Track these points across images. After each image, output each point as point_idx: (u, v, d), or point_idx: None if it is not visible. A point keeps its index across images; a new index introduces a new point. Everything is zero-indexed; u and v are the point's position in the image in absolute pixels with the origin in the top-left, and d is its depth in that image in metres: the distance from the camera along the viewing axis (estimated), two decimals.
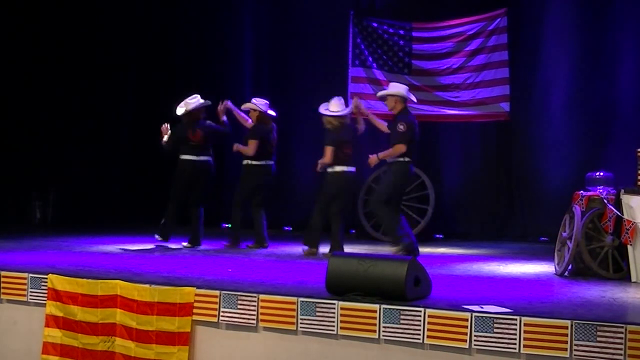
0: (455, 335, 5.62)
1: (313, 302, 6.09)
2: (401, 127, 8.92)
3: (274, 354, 6.24)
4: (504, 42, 11.16)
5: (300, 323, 6.11)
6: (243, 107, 10.11)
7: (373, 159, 9.16)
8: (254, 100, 10.04)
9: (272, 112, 10.05)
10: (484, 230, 11.70)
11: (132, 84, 14.09)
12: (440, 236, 11.63)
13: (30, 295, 7.15)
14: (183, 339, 6.49)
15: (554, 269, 8.11)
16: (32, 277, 7.16)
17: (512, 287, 7.04)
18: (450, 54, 11.38)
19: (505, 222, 11.78)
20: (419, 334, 5.73)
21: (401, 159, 8.96)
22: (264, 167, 9.95)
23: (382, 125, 9.39)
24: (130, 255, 9.11)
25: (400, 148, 8.94)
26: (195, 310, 6.49)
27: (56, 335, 6.98)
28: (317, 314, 6.05)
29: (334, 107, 9.25)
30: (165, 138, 10.11)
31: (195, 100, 10.09)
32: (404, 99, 9.12)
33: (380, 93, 9.47)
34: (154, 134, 13.76)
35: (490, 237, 11.43)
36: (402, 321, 5.78)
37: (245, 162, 9.95)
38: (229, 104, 10.14)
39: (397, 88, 9.27)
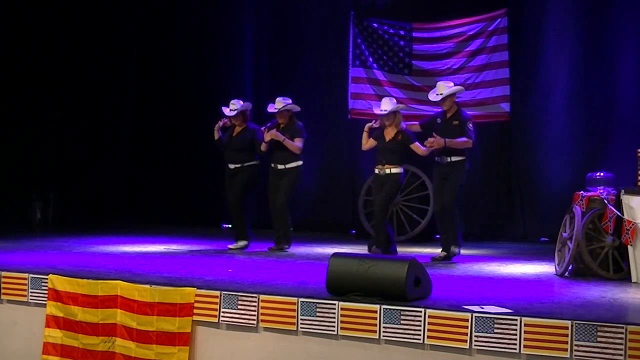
0: (456, 335, 5.62)
1: (313, 302, 6.09)
2: (470, 125, 8.89)
3: (274, 355, 6.24)
4: (505, 43, 11.16)
5: (301, 323, 6.11)
6: (286, 107, 9.81)
7: (440, 141, 8.77)
8: (284, 100, 9.81)
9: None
10: (484, 230, 11.69)
11: (133, 84, 14.10)
12: None
13: (31, 296, 7.15)
14: (183, 340, 6.49)
15: (554, 270, 8.11)
16: (32, 277, 7.16)
17: (512, 288, 7.04)
18: (450, 55, 11.39)
19: (505, 223, 11.77)
20: (419, 335, 5.73)
21: (463, 157, 8.87)
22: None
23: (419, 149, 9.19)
24: (130, 255, 9.11)
25: (471, 143, 8.85)
26: (195, 311, 6.49)
27: (56, 335, 6.98)
28: (318, 314, 6.05)
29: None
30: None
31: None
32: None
33: (437, 97, 9.02)
34: (154, 134, 13.87)
35: (490, 238, 11.43)
36: (402, 321, 5.78)
37: (299, 163, 9.81)
38: (280, 135, 9.73)
39: (451, 86, 9.09)
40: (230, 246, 9.90)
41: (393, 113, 9.10)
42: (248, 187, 9.98)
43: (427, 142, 8.88)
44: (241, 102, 10.04)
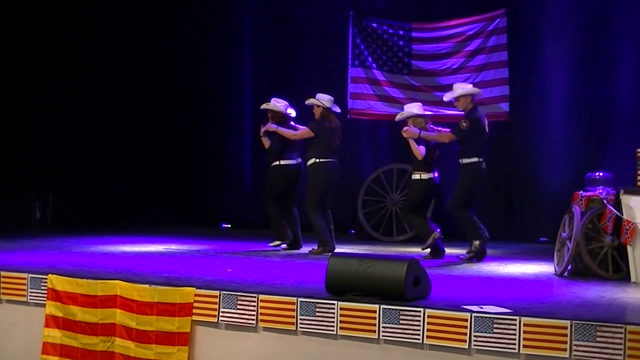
0: (455, 335, 5.62)
1: (313, 302, 6.09)
2: (464, 124, 8.88)
3: (273, 354, 6.24)
4: (504, 43, 11.16)
5: (300, 323, 6.11)
6: (307, 102, 9.80)
7: (412, 131, 8.97)
8: (318, 96, 9.76)
9: (337, 109, 9.85)
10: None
11: (133, 84, 14.10)
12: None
13: (30, 296, 7.15)
14: (183, 339, 6.49)
15: (553, 269, 8.11)
16: (31, 277, 7.16)
17: (511, 287, 7.04)
18: (449, 55, 11.39)
19: (505, 222, 11.77)
20: (419, 334, 5.73)
21: (472, 160, 8.85)
22: (331, 165, 9.68)
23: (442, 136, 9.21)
24: (129, 255, 9.11)
25: (448, 136, 8.96)
26: (194, 311, 6.49)
27: (56, 335, 6.98)
28: (317, 314, 6.05)
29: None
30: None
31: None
32: (473, 97, 9.07)
33: (448, 96, 9.17)
34: (154, 134, 13.88)
35: (490, 237, 11.40)
36: (401, 321, 5.78)
37: (312, 161, 9.61)
38: (273, 126, 9.88)
39: (466, 88, 9.17)
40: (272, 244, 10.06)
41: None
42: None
43: (402, 130, 9.07)
44: (280, 103, 10.06)
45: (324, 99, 9.74)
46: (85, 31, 13.51)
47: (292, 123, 10.02)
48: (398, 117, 9.42)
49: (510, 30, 11.20)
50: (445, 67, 11.36)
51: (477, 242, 8.97)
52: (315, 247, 9.65)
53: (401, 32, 11.64)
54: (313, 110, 9.83)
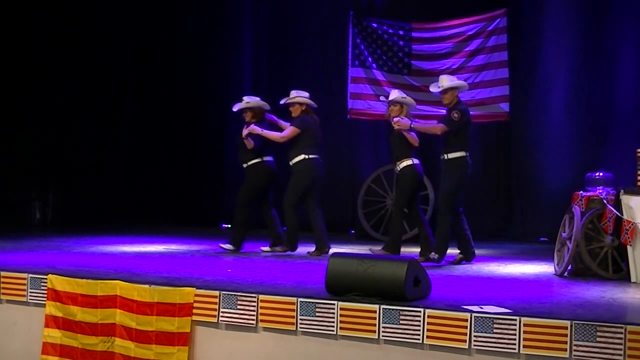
0: (455, 335, 5.62)
1: (313, 302, 6.09)
2: (455, 115, 8.66)
3: (273, 355, 6.24)
4: (504, 43, 11.17)
5: (300, 323, 6.11)
6: (283, 101, 9.54)
7: (404, 122, 8.79)
8: (296, 92, 9.51)
9: (313, 104, 9.61)
10: (484, 230, 11.68)
11: (133, 83, 14.11)
12: None
13: (30, 296, 7.15)
14: (183, 340, 6.49)
15: (553, 270, 8.11)
16: (31, 277, 7.16)
17: (511, 288, 7.04)
18: (449, 55, 11.39)
19: (505, 222, 11.78)
20: (419, 335, 5.73)
21: (459, 154, 8.68)
22: (318, 161, 9.44)
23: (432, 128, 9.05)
24: (129, 255, 9.11)
25: (440, 128, 8.72)
26: (194, 311, 6.49)
27: (56, 335, 6.98)
28: (317, 314, 6.05)
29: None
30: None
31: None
32: (459, 91, 8.96)
33: (436, 89, 8.97)
34: (153, 135, 13.88)
35: (490, 237, 11.42)
36: (401, 321, 5.78)
37: (301, 157, 9.33)
38: (257, 129, 9.52)
39: (454, 80, 9.06)
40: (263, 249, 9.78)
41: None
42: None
43: (393, 122, 8.88)
44: (254, 99, 9.83)
45: (305, 95, 9.54)
46: (86, 31, 13.52)
47: (273, 117, 9.74)
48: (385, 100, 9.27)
49: (510, 30, 11.20)
50: (445, 67, 11.36)
51: (434, 256, 8.68)
52: (282, 246, 9.64)
53: (401, 32, 11.64)
54: (290, 108, 9.54)
